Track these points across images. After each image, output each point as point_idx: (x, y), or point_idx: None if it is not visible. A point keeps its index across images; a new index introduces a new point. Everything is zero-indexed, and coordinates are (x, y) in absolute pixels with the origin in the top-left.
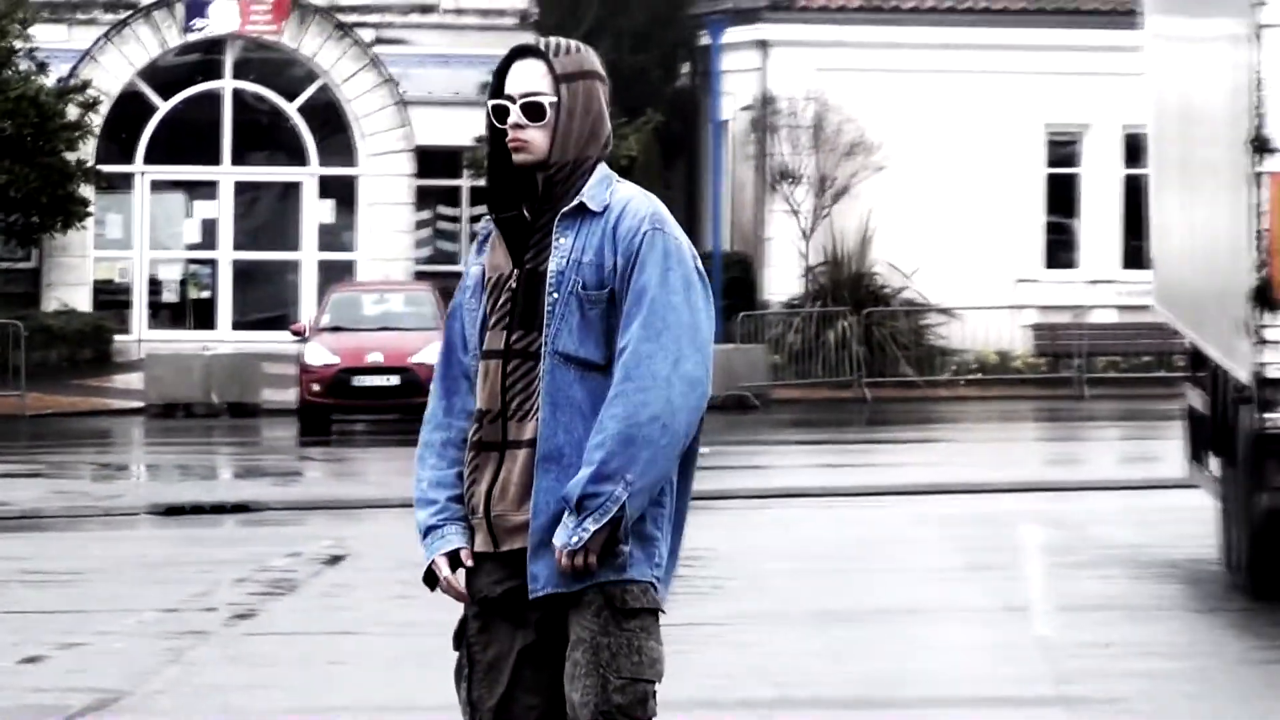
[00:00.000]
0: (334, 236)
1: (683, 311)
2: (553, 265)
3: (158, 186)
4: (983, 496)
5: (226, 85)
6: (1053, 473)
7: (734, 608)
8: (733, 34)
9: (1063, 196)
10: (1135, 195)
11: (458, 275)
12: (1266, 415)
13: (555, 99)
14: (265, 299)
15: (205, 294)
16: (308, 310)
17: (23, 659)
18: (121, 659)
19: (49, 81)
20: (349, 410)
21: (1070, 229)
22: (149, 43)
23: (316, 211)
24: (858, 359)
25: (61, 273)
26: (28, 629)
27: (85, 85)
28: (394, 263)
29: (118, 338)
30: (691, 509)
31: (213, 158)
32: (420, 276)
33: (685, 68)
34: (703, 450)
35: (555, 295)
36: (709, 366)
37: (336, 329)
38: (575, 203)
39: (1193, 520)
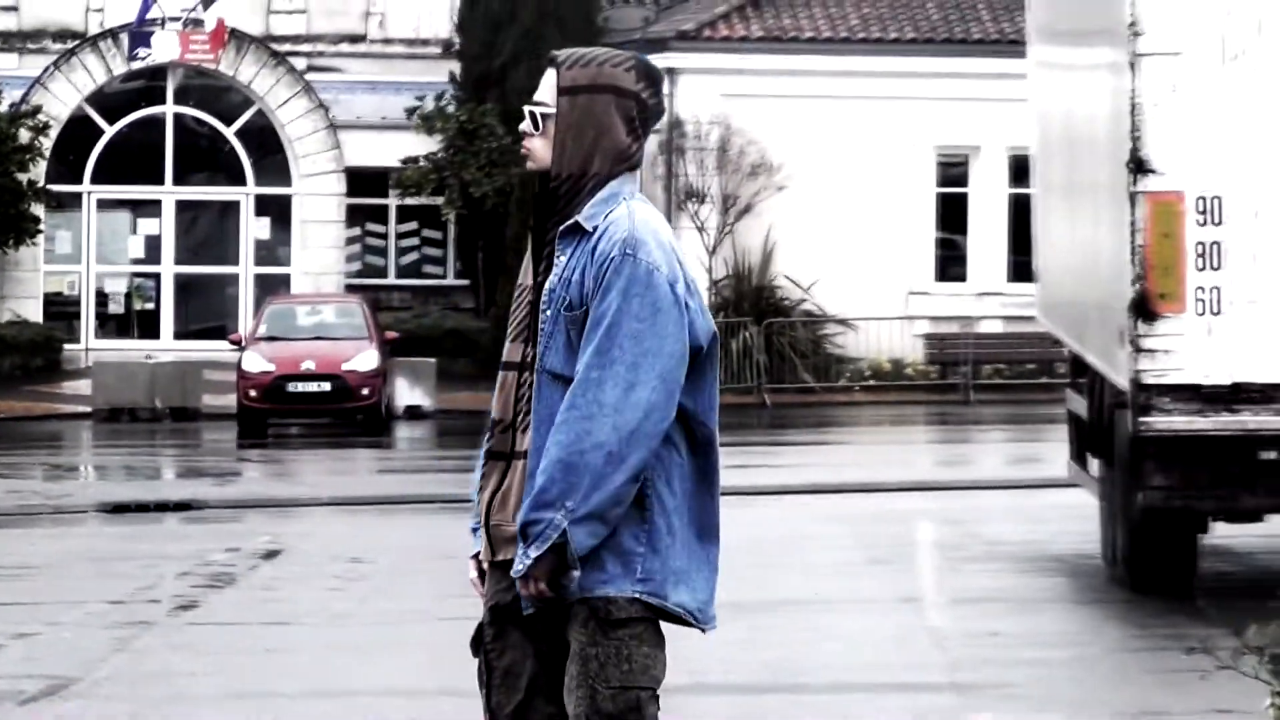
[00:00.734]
0: (270, 252)
1: (645, 338)
2: (548, 282)
3: (104, 205)
4: (879, 495)
5: (168, 110)
6: (944, 473)
7: None
8: None
9: (952, 214)
10: (1020, 213)
11: (385, 288)
12: (1143, 419)
13: (550, 110)
14: (205, 310)
15: (149, 306)
16: (245, 321)
17: None
18: (71, 647)
19: (2, 107)
20: (284, 415)
21: (959, 245)
22: (95, 70)
23: (253, 228)
24: (759, 367)
25: (14, 286)
26: None
27: (36, 110)
28: (326, 276)
29: (67, 347)
30: None
31: (156, 178)
32: (350, 289)
33: None
34: None
35: (547, 312)
36: (671, 392)
37: (272, 338)
38: (571, 221)
39: (1075, 518)
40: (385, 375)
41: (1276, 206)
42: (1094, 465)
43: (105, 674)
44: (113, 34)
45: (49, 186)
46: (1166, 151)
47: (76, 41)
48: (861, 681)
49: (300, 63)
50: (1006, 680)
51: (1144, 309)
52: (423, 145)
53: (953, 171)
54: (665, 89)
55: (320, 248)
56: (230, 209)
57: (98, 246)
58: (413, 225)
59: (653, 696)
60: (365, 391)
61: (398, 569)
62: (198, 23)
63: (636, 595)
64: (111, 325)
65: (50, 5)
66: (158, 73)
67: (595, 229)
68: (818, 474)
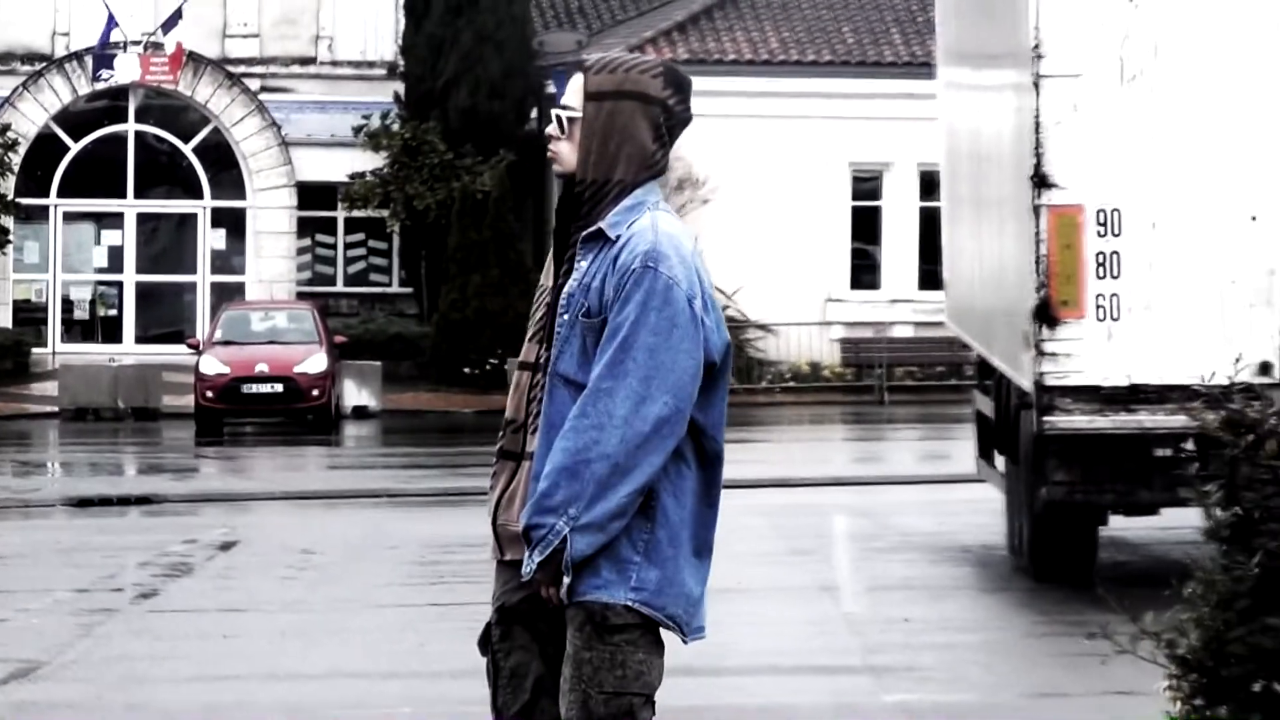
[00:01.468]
0: (225, 261)
1: (659, 352)
2: (567, 286)
3: (70, 217)
4: (799, 490)
5: (130, 128)
6: (859, 469)
7: None
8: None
9: (866, 226)
10: (929, 225)
11: (334, 295)
12: (1045, 418)
13: (576, 115)
14: (165, 316)
15: (112, 312)
16: (202, 326)
17: None
18: (38, 633)
19: None
20: (239, 414)
21: (873, 255)
22: (62, 91)
23: (210, 239)
24: None
25: None
26: None
27: (5, 128)
28: (278, 284)
29: (35, 350)
30: None
31: (118, 192)
32: (301, 296)
33: (534, 113)
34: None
35: (564, 317)
36: (682, 407)
37: (228, 343)
38: (594, 227)
39: (982, 511)
40: (334, 377)
41: (1171, 218)
42: (1000, 462)
43: (71, 658)
44: (78, 56)
45: (18, 200)
46: (1067, 167)
47: (44, 64)
48: (782, 665)
49: (254, 83)
50: (918, 663)
51: (1046, 315)
52: (369, 161)
53: (866, 186)
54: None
55: (273, 257)
56: (188, 221)
57: (64, 256)
58: (359, 236)
59: (646, 702)
60: (315, 393)
61: (345, 559)
62: (158, 46)
63: (630, 603)
64: (77, 330)
65: (18, 29)
66: (120, 93)
67: (618, 237)
68: (741, 470)
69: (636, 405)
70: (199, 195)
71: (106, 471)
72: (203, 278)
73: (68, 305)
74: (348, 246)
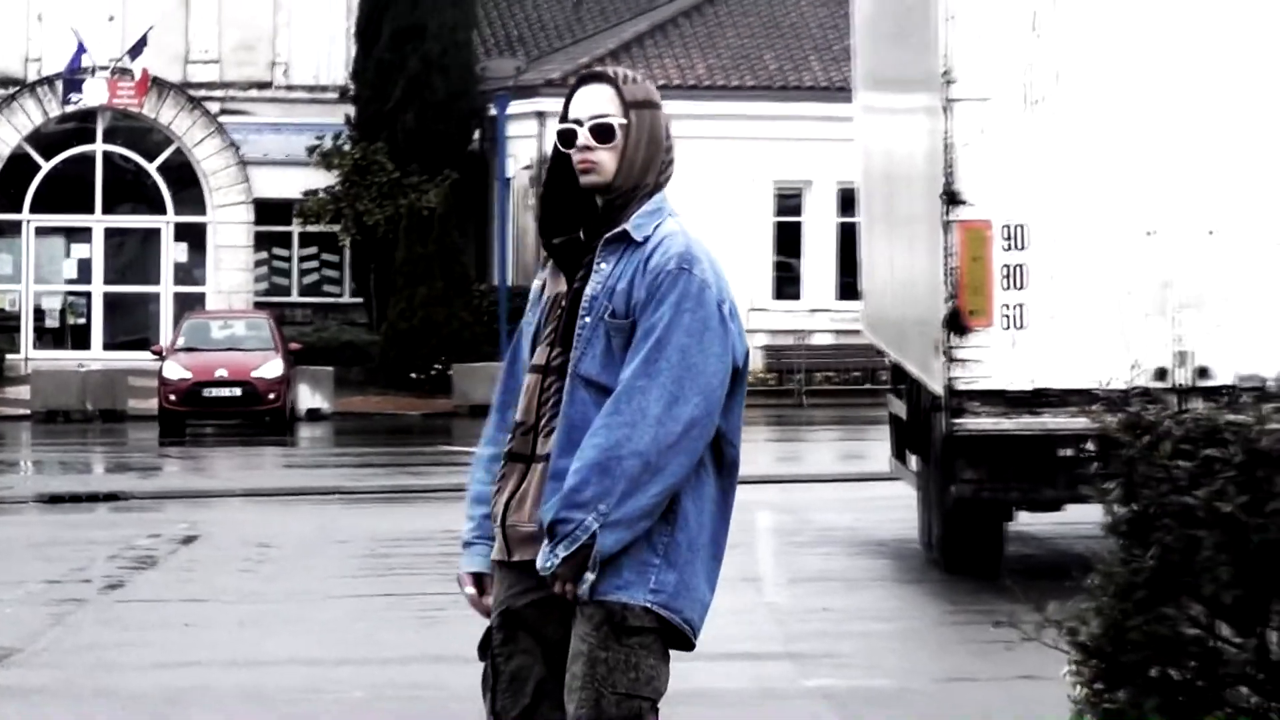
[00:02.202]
0: (187, 273)
1: (691, 354)
2: (589, 289)
3: (41, 232)
4: None
5: (98, 148)
6: (781, 468)
7: None
8: (515, 106)
9: (788, 240)
10: (847, 239)
11: (289, 305)
12: (955, 420)
13: (625, 122)
14: (131, 324)
15: (81, 320)
16: (166, 334)
17: None
18: (12, 622)
19: None
20: (200, 416)
21: (794, 267)
22: (34, 113)
23: (173, 252)
24: None
25: None
26: None
27: None
28: (236, 295)
29: (8, 356)
30: None
31: (87, 208)
32: (258, 306)
33: (477, 134)
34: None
35: (586, 319)
36: (711, 410)
37: (190, 349)
38: (619, 230)
39: (896, 507)
40: (289, 382)
41: (1073, 233)
42: (913, 461)
43: (43, 645)
44: (49, 81)
45: None
46: (976, 185)
47: (16, 88)
48: (707, 652)
49: (214, 106)
50: (837, 650)
51: (956, 323)
52: (322, 179)
53: (788, 203)
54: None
55: (231, 269)
56: (152, 235)
57: (36, 268)
58: (313, 250)
59: (652, 707)
60: (271, 396)
61: (300, 553)
62: (124, 71)
63: (649, 605)
64: (48, 338)
65: None
66: (89, 115)
67: (645, 239)
68: None
69: (669, 405)
70: (162, 211)
71: (76, 470)
72: (166, 289)
73: (40, 314)
74: (302, 259)
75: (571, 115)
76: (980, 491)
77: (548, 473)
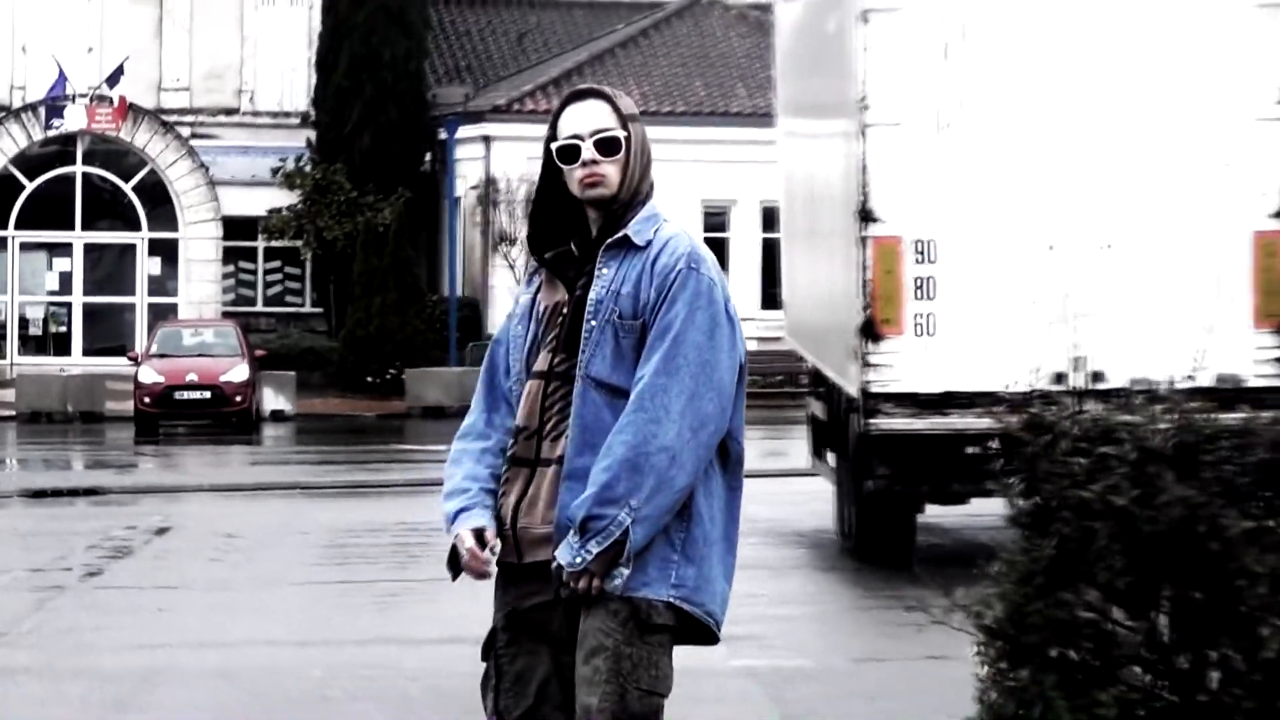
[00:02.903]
0: (160, 285)
1: (705, 350)
2: (593, 294)
3: (25, 247)
4: None
5: (78, 170)
6: None
7: None
8: (464, 131)
9: (715, 255)
10: (770, 254)
11: (255, 314)
12: (870, 421)
13: (626, 134)
14: (108, 332)
15: (63, 329)
16: (140, 341)
17: None
18: None
19: None
20: (172, 417)
21: None
22: (18, 137)
23: (147, 266)
24: None
25: None
26: None
27: None
28: (206, 305)
29: None
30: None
31: (68, 225)
32: (226, 315)
33: (428, 156)
34: (439, 448)
35: (593, 323)
36: (724, 405)
37: (163, 355)
38: (620, 235)
39: (815, 501)
40: (254, 385)
41: (979, 248)
42: (830, 458)
43: (27, 628)
44: (32, 108)
45: None
46: (888, 204)
47: (2, 114)
48: None
49: (185, 131)
50: (762, 633)
51: (871, 331)
52: (285, 198)
53: (715, 220)
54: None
55: (201, 281)
56: (128, 250)
57: (20, 280)
58: (277, 263)
59: (662, 706)
60: (238, 399)
61: (264, 543)
62: (103, 98)
63: (672, 600)
64: (32, 344)
65: None
66: (69, 139)
67: (647, 243)
68: None
69: (689, 400)
70: (137, 228)
71: (58, 467)
72: (141, 299)
73: (24, 323)
74: (266, 272)
75: (569, 132)
76: (892, 486)
77: (562, 474)
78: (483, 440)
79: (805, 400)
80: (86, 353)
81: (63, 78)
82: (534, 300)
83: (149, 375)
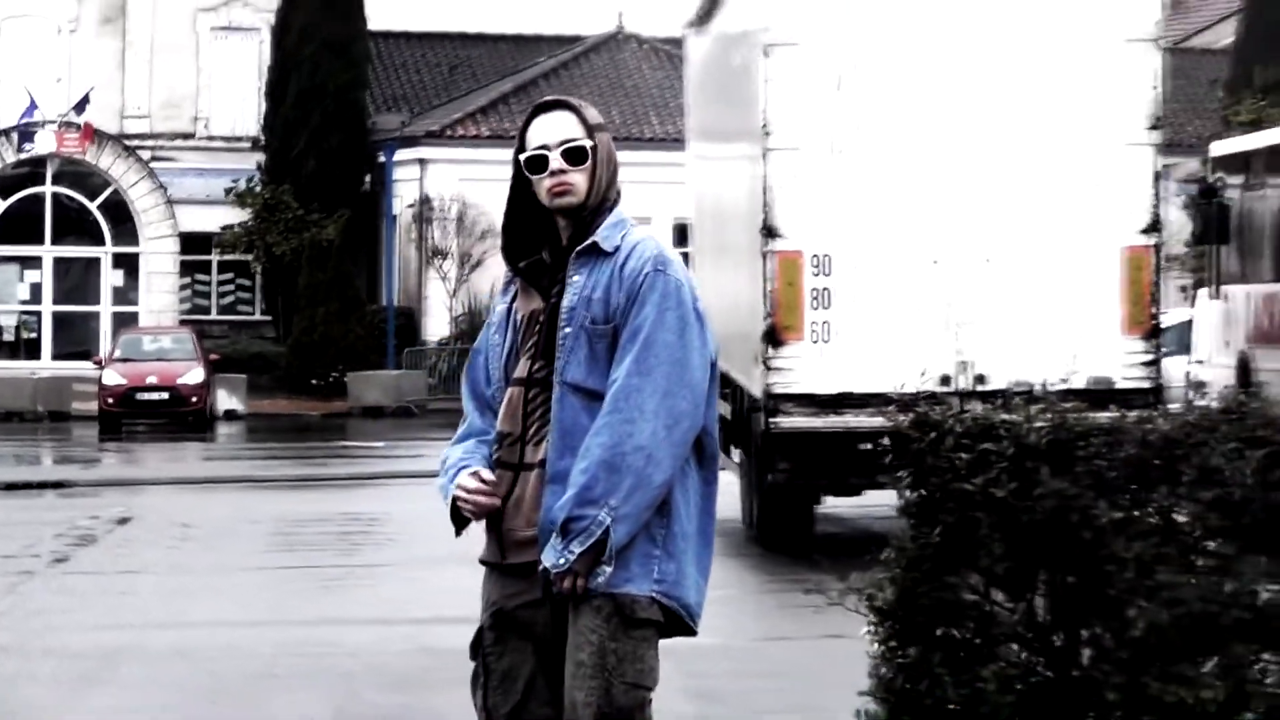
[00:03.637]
0: (123, 295)
1: (675, 349)
2: (565, 301)
3: None
4: None
5: (47, 190)
6: None
7: (405, 554)
8: (401, 154)
9: None
10: None
11: (209, 322)
12: (772, 420)
13: (593, 143)
14: (75, 339)
15: (33, 335)
16: (105, 347)
17: None
18: None
19: None
20: (134, 417)
21: None
22: None
23: (110, 278)
24: None
25: None
26: None
27: None
28: (164, 313)
29: None
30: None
31: (38, 240)
32: (183, 323)
33: (368, 178)
34: (378, 445)
35: (567, 329)
36: (697, 403)
37: (125, 360)
38: (589, 242)
39: (722, 493)
40: (209, 387)
41: (871, 262)
42: (736, 454)
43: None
44: (5, 132)
45: None
46: (789, 221)
47: None
48: None
49: (146, 154)
50: None
51: (773, 338)
52: (237, 216)
53: None
54: (422, 173)
55: (160, 292)
56: (94, 264)
57: None
58: (229, 275)
59: (650, 700)
60: (194, 399)
61: (218, 531)
62: (70, 124)
63: (654, 595)
64: (5, 350)
65: None
66: (40, 161)
67: (615, 249)
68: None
69: (663, 399)
70: (102, 243)
71: (28, 462)
72: (105, 308)
73: None
74: (220, 284)
75: (537, 143)
76: (793, 479)
77: (544, 477)
78: (476, 437)
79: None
80: (55, 357)
81: (34, 105)
82: (510, 309)
83: (112, 378)
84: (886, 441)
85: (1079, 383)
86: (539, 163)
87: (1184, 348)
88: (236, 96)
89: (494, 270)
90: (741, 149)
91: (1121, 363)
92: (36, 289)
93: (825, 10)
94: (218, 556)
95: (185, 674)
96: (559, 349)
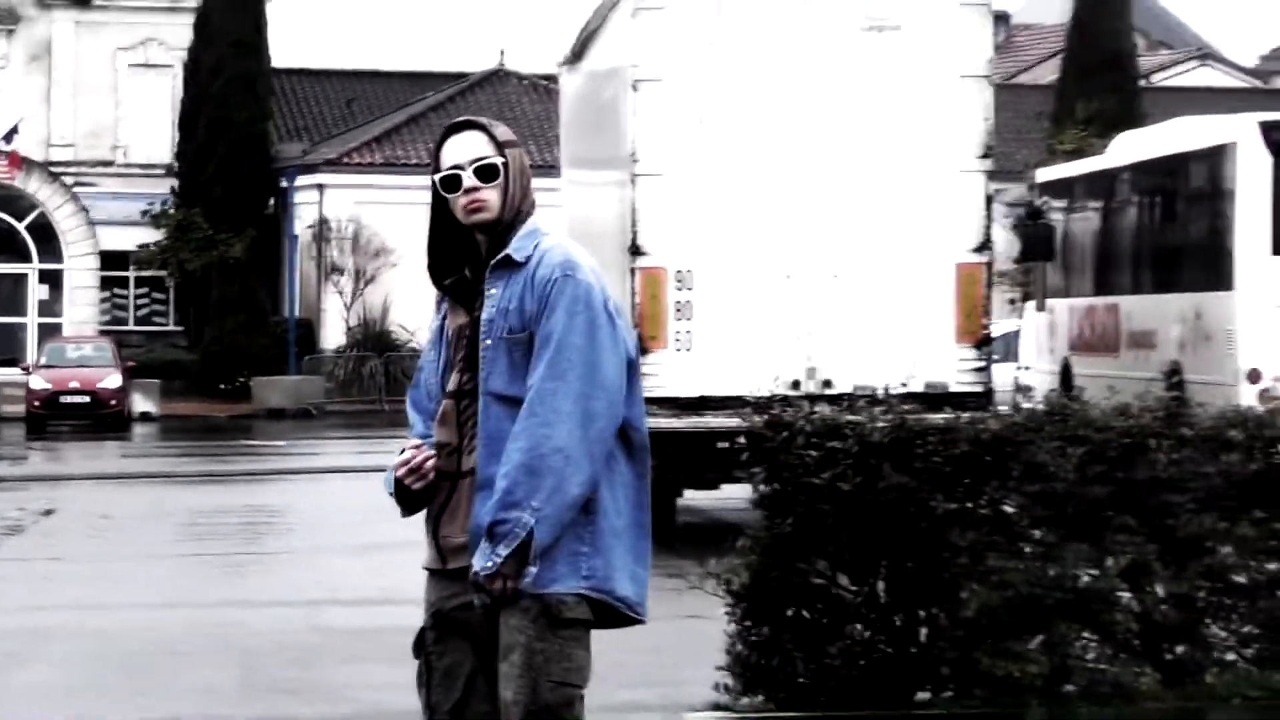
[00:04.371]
0: (48, 308)
1: (587, 351)
2: (484, 314)
3: None
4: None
5: None
6: None
7: (304, 543)
8: (301, 180)
9: None
10: None
11: (127, 332)
12: None
13: (504, 160)
14: (4, 347)
15: None
16: (32, 355)
17: None
18: None
19: None
20: (58, 418)
21: None
22: None
23: (37, 292)
24: (381, 385)
25: None
26: None
27: None
28: (86, 324)
29: None
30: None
31: None
32: (103, 333)
33: (272, 201)
34: (280, 444)
35: (488, 341)
36: (612, 401)
37: (50, 366)
38: (502, 255)
39: None
40: (126, 391)
41: (729, 277)
42: None
43: None
44: None
45: None
46: (654, 240)
47: None
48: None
49: (69, 179)
50: None
51: (639, 347)
52: (152, 236)
53: None
54: (320, 197)
55: (82, 305)
56: (21, 279)
57: None
58: (145, 290)
59: (580, 696)
60: (113, 403)
61: (135, 523)
62: (1, 153)
63: (583, 591)
64: None
65: None
66: None
67: (527, 259)
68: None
69: (578, 400)
70: (29, 260)
71: None
72: (32, 320)
73: None
74: (137, 297)
75: (450, 163)
76: (657, 475)
77: (475, 484)
78: (423, 437)
79: None
80: None
81: None
82: (442, 325)
83: (38, 383)
84: (743, 440)
85: (917, 387)
86: (453, 182)
87: (1011, 355)
88: (152, 127)
89: (386, 285)
90: (612, 175)
91: (955, 369)
92: None
93: (687, 49)
94: (134, 545)
95: (104, 651)
96: (481, 361)
